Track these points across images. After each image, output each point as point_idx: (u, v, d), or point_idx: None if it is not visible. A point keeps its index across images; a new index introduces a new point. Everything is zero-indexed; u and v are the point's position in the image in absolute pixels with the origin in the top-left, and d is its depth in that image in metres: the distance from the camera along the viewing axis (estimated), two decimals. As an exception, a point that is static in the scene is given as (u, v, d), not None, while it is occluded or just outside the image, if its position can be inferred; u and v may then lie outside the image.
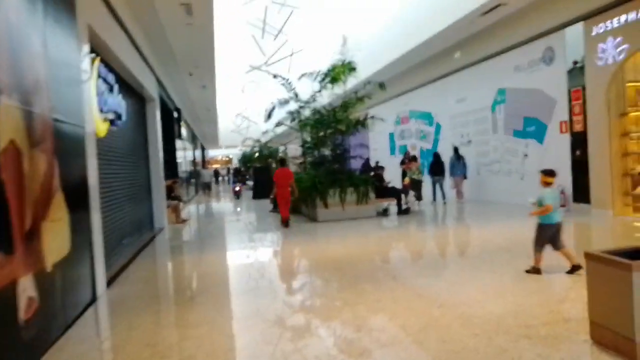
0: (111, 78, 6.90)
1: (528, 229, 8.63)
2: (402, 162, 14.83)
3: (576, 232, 8.43)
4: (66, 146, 4.31)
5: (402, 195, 11.93)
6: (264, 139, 31.28)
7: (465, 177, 13.25)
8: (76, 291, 4.42)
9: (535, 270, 5.18)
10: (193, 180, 25.95)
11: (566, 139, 9.88)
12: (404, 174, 13.98)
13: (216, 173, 36.45)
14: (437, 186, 13.63)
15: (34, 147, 3.40)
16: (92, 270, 4.89)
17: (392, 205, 11.79)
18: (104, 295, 5.13)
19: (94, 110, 5.62)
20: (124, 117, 7.80)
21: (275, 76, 13.16)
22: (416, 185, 13.14)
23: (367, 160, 14.68)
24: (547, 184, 5.27)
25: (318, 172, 11.86)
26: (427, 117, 16.61)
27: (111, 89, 6.95)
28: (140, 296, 5.15)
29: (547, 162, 9.78)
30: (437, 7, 11.94)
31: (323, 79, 12.15)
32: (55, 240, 3.78)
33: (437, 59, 14.76)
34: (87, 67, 5.33)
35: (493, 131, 12.70)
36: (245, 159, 39.28)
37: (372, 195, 11.31)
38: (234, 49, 27.75)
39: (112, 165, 7.90)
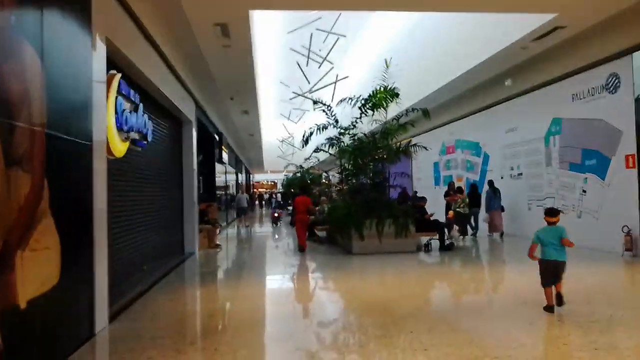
0: (135, 96, 6.63)
1: (586, 273, 7.69)
2: (447, 194, 13.98)
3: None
4: (65, 165, 3.94)
5: (446, 230, 11.07)
6: (306, 165, 31.06)
7: (503, 210, 12.82)
8: (66, 328, 3.98)
9: (547, 308, 5.11)
10: (234, 204, 25.89)
11: (634, 174, 8.83)
12: (447, 207, 13.12)
13: (260, 197, 36.31)
14: (472, 218, 13.07)
15: (12, 166, 3.00)
16: (90, 304, 4.45)
17: (434, 239, 10.95)
18: (104, 332, 4.66)
19: (108, 128, 5.29)
20: (150, 138, 7.50)
21: (315, 102, 12.80)
22: (461, 219, 12.25)
23: (404, 190, 13.91)
24: (550, 223, 5.41)
25: (354, 200, 11.24)
26: (475, 147, 15.72)
27: (136, 108, 6.67)
28: (140, 335, 4.63)
29: (610, 199, 8.78)
30: (487, 32, 11.26)
31: (364, 105, 11.62)
32: (38, 271, 3.35)
33: (486, 87, 13.98)
34: (102, 82, 5.03)
35: (547, 164, 11.71)
36: (288, 184, 39.20)
37: (412, 228, 10.54)
38: (277, 75, 27.96)
39: (134, 187, 7.61)
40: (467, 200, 12.79)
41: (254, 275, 8.97)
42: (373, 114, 11.52)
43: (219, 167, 18.91)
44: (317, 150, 13.66)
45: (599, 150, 9.82)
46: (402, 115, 11.43)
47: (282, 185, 49.00)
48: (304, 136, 12.38)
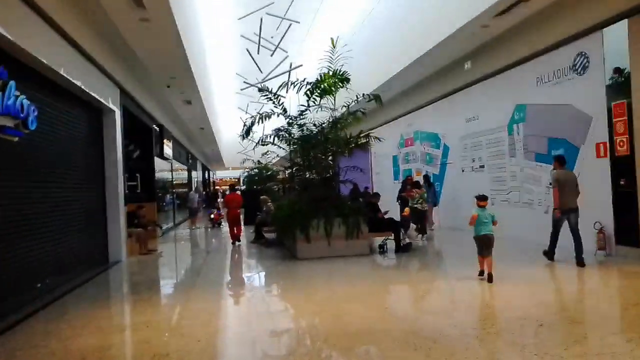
0: (2, 73, 5.20)
1: (564, 281, 6.73)
2: (403, 189, 12.93)
3: (620, 284, 6.44)
4: None
5: (402, 229, 9.97)
6: (264, 161, 29.61)
7: (435, 205, 13.31)
8: None
9: (480, 273, 6.80)
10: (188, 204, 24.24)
11: (605, 164, 7.94)
12: (404, 203, 12.07)
13: (214, 195, 34.31)
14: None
15: None
16: None
17: (389, 240, 9.86)
18: None
19: None
20: (33, 126, 6.04)
21: (260, 90, 11.47)
22: (419, 217, 11.22)
23: (355, 186, 12.82)
24: (480, 207, 6.86)
25: (299, 198, 10.02)
26: (434, 139, 14.76)
27: (2, 87, 5.23)
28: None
29: (580, 193, 7.83)
30: (445, 11, 10.21)
31: (312, 91, 10.39)
32: None
33: (445, 73, 12.99)
34: None
35: (510, 154, 10.79)
36: (249, 181, 37.53)
37: (364, 228, 9.40)
38: (233, 66, 26.42)
39: (12, 185, 6.15)
40: (425, 195, 11.77)
41: (177, 289, 7.60)
42: (320, 101, 10.30)
43: (160, 163, 17.33)
44: (262, 142, 12.33)
45: (566, 139, 8.91)
46: (352, 103, 10.24)
47: (243, 182, 47.21)
48: (244, 126, 11.04)
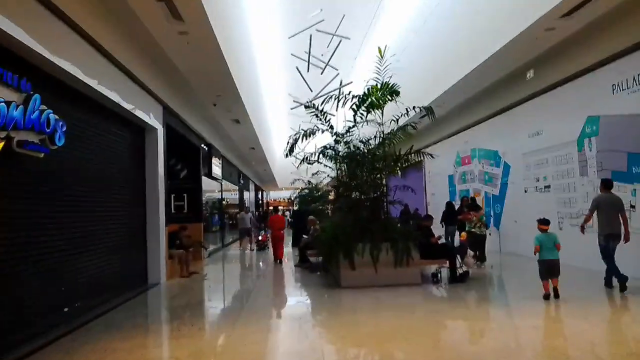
0: (23, 84, 4.95)
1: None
2: (459, 211, 11.91)
3: None
4: None
5: (458, 256, 9.02)
6: (314, 181, 29.16)
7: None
8: None
9: (546, 296, 6.72)
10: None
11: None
12: (461, 227, 11.08)
13: (265, 216, 33.99)
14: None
15: None
16: None
17: (443, 268, 8.93)
18: None
19: None
20: (60, 142, 5.78)
21: (307, 106, 10.98)
22: (477, 242, 10.19)
23: (406, 207, 11.88)
24: (542, 230, 7.03)
25: (343, 220, 9.32)
26: (493, 157, 13.65)
27: (26, 100, 4.98)
28: None
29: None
30: (498, 15, 9.33)
31: (358, 106, 9.76)
32: None
33: (504, 84, 11.98)
34: None
35: (581, 173, 9.61)
36: (300, 202, 37.18)
37: (415, 254, 8.54)
38: (278, 84, 26.35)
39: (41, 203, 5.92)
40: (484, 218, 10.73)
41: (210, 317, 7.06)
42: (367, 116, 9.64)
43: (209, 183, 17.20)
44: (308, 161, 11.78)
45: (651, 154, 7.74)
46: (401, 117, 9.50)
47: (295, 203, 46.99)
48: (288, 144, 10.54)
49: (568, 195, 10.09)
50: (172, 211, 14.67)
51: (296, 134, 10.37)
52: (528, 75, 10.40)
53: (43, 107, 5.47)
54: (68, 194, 6.63)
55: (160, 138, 10.35)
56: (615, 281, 7.25)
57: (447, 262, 8.77)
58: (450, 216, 12.57)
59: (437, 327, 5.88)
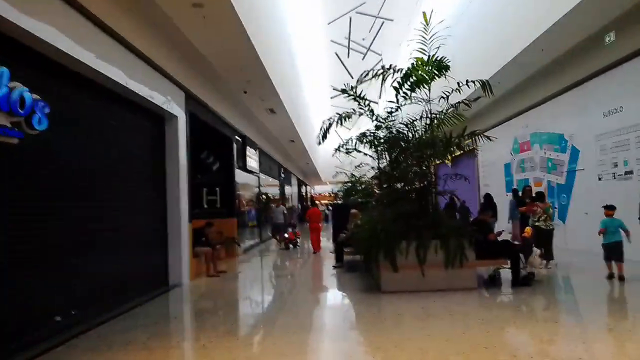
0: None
1: None
2: (521, 203, 10.37)
3: None
4: None
5: (521, 255, 7.59)
6: (358, 173, 27.91)
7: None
8: None
9: (609, 276, 7.36)
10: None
11: None
12: (523, 221, 9.59)
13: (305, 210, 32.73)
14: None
15: None
16: None
17: (504, 268, 7.55)
18: None
19: None
20: (41, 125, 4.89)
21: (344, 90, 9.76)
22: (544, 238, 8.69)
23: (452, 200, 10.49)
24: (608, 216, 7.62)
25: (383, 214, 8.08)
26: (558, 141, 11.97)
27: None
28: None
29: None
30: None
31: (401, 83, 8.45)
32: None
33: (573, 56, 10.33)
34: None
35: (675, 155, 7.94)
36: (345, 196, 35.98)
37: (471, 253, 7.21)
38: (318, 73, 25.17)
39: (48, 197, 5.14)
40: (551, 210, 9.20)
41: (231, 326, 6.03)
42: (411, 95, 8.33)
43: (246, 177, 16.34)
44: (346, 150, 10.60)
45: None
46: (452, 93, 8.13)
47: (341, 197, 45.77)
48: (321, 130, 9.39)
49: (656, 183, 8.42)
50: (205, 206, 13.94)
51: (330, 118, 9.20)
52: (607, 39, 8.70)
53: (15, 84, 4.58)
54: (57, 186, 5.75)
55: (181, 127, 9.46)
56: None
57: (509, 262, 7.38)
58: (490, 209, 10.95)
59: (502, 344, 4.56)
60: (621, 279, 7.18)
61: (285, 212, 16.80)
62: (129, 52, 7.18)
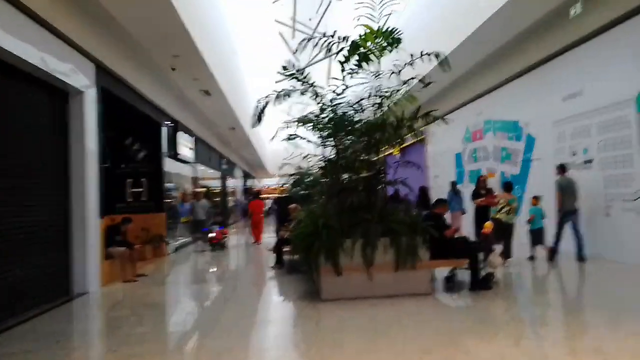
0: None
1: None
2: (476, 194, 9.55)
3: None
4: None
5: (481, 253, 6.69)
6: (306, 165, 26.68)
7: (464, 212, 11.76)
8: None
9: (531, 258, 8.37)
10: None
11: None
12: (480, 215, 8.77)
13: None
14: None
15: None
16: None
17: (461, 269, 6.62)
18: None
19: None
20: None
21: (284, 67, 8.47)
22: (504, 233, 7.89)
23: (424, 190, 9.62)
24: (534, 204, 8.61)
25: (326, 208, 6.97)
26: (513, 129, 11.30)
27: None
28: None
29: None
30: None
31: (347, 57, 7.31)
32: None
33: (529, 35, 9.58)
34: None
35: (641, 142, 7.30)
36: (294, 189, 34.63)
37: (425, 253, 6.22)
38: (262, 58, 23.75)
39: None
40: (515, 202, 8.46)
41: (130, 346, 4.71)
42: (357, 71, 7.21)
43: (178, 167, 14.82)
44: (287, 137, 9.37)
45: None
46: (403, 68, 7.08)
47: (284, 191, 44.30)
48: (256, 110, 8.11)
49: (620, 172, 7.77)
50: (129, 199, 12.37)
51: (266, 96, 7.94)
52: (573, 12, 7.89)
53: None
54: None
55: (89, 104, 7.93)
56: None
57: (467, 261, 6.45)
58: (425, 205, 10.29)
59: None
60: (551, 258, 8.20)
61: (209, 207, 14.82)
62: (18, 12, 5.72)
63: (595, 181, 8.34)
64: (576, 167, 8.87)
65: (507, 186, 8.74)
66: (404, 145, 15.97)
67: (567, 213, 8.17)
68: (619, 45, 7.63)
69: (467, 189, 12.44)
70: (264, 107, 7.97)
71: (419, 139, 7.62)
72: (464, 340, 4.30)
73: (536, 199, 8.73)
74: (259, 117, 8.05)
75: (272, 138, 8.95)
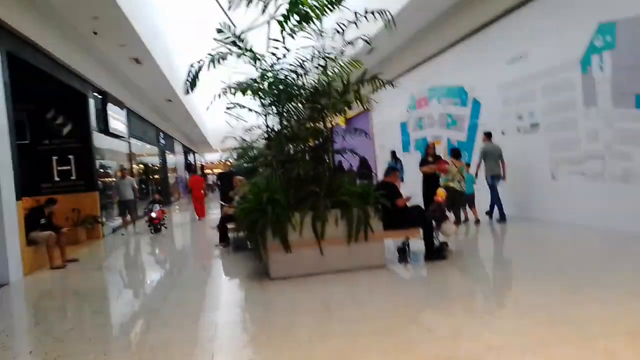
0: None
1: None
2: (424, 162, 9.36)
3: None
4: None
5: (434, 222, 6.46)
6: (250, 138, 25.72)
7: (402, 180, 11.89)
8: None
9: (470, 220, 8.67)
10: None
11: None
12: (428, 183, 8.59)
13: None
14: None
15: None
16: None
17: (415, 240, 6.38)
18: None
19: None
20: None
21: (219, 30, 7.72)
22: (456, 201, 7.75)
23: (365, 161, 9.37)
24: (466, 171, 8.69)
25: (270, 180, 6.50)
26: (458, 94, 11.18)
27: None
28: None
29: None
30: None
31: (287, 17, 6.73)
32: None
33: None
34: None
35: (586, 103, 7.27)
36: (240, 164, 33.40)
37: (378, 223, 5.92)
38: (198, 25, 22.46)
39: None
40: (465, 170, 8.34)
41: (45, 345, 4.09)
42: (297, 32, 6.67)
43: (109, 142, 13.75)
44: (228, 106, 8.70)
45: None
46: (347, 26, 6.60)
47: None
48: (189, 74, 7.39)
49: (565, 135, 7.76)
50: (56, 178, 11.32)
51: (199, 60, 7.24)
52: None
53: None
54: None
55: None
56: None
57: (420, 231, 6.22)
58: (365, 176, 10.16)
59: (421, 342, 3.25)
60: (477, 222, 8.62)
61: (135, 185, 13.19)
62: None
63: (541, 145, 8.34)
64: (522, 131, 8.86)
65: (455, 153, 8.61)
66: (349, 116, 15.66)
67: (492, 177, 8.58)
68: (564, 6, 7.51)
69: (414, 158, 12.34)
70: (197, 72, 7.28)
71: (365, 105, 7.20)
72: (424, 317, 4.04)
73: (468, 165, 9.07)
74: (192, 83, 7.37)
75: (208, 107, 8.28)
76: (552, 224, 7.89)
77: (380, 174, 12.39)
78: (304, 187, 5.98)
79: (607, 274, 4.89)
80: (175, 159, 30.72)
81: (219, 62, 7.13)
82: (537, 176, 8.47)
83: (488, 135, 8.94)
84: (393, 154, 12.34)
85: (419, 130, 13.41)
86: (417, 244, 6.36)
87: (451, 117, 11.56)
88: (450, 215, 6.86)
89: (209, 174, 43.87)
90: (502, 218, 8.61)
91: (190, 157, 42.50)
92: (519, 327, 3.52)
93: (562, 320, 3.58)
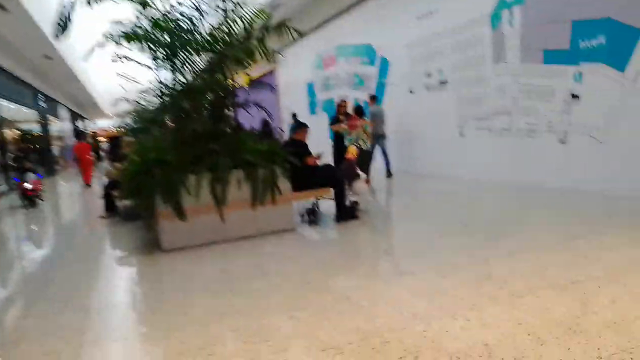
0: None
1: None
2: (335, 120, 8.93)
3: None
4: None
5: (345, 181, 6.04)
6: (145, 101, 23.62)
7: None
8: None
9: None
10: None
11: None
12: (339, 142, 8.18)
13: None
14: None
15: None
16: None
17: (325, 200, 5.93)
18: None
19: None
20: None
21: None
22: (365, 159, 7.40)
23: (267, 123, 8.84)
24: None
25: (162, 139, 5.66)
26: (366, 53, 10.81)
27: None
28: None
29: (632, 106, 4.45)
30: None
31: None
32: None
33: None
34: None
35: (495, 59, 7.19)
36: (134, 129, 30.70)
37: (286, 184, 5.36)
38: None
39: None
40: (370, 128, 7.98)
41: None
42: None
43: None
44: (113, 57, 7.50)
45: (612, 18, 5.38)
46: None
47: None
48: (61, 17, 6.16)
49: (474, 91, 7.68)
50: None
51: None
52: None
53: None
54: None
55: None
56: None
57: (330, 191, 5.77)
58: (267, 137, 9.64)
59: (340, 310, 2.79)
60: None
61: None
62: None
63: (449, 102, 8.23)
64: (431, 89, 8.70)
65: (359, 111, 8.29)
66: (254, 77, 14.78)
67: (378, 137, 8.81)
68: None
69: (322, 120, 11.92)
70: (69, 13, 6.09)
71: (270, 58, 6.51)
72: (339, 284, 3.56)
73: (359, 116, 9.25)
74: (64, 25, 6.16)
75: (86, 56, 7.06)
76: (460, 181, 7.86)
77: (285, 136, 11.85)
78: (201, 145, 5.22)
79: (519, 227, 4.78)
80: (61, 126, 27.65)
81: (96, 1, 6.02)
82: (445, 133, 8.39)
83: (373, 99, 9.32)
84: (294, 115, 11.93)
85: (326, 90, 12.95)
86: (326, 204, 5.92)
87: (358, 77, 11.20)
88: (362, 174, 6.50)
89: (102, 142, 40.29)
90: (389, 174, 8.95)
91: (80, 124, 38.78)
92: (444, 288, 3.18)
93: (485, 278, 3.29)
